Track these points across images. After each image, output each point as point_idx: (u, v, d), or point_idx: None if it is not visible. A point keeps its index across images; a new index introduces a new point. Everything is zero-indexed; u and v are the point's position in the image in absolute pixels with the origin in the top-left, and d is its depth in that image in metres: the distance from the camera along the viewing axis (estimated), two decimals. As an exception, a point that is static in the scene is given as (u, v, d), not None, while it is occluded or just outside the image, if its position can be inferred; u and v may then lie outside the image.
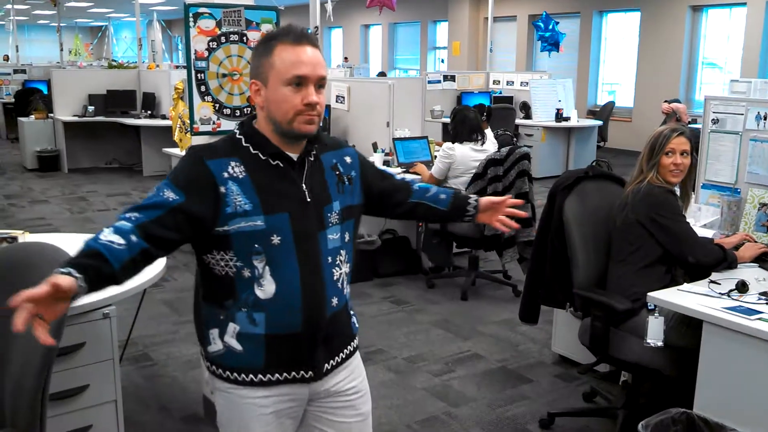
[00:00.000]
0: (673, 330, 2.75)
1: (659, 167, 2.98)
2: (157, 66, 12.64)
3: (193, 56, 2.90)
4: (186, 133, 5.91)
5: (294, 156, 1.74)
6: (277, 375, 1.74)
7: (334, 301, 1.77)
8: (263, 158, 1.71)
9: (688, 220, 3.65)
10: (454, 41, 17.42)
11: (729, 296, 2.61)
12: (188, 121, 2.99)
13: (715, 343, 2.49)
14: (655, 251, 2.92)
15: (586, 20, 14.60)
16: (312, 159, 1.77)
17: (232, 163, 1.67)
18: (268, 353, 1.72)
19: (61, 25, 17.60)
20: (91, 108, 10.13)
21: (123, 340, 3.73)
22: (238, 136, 1.74)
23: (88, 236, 1.59)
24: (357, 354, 1.94)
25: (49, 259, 2.10)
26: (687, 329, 2.72)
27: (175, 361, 3.98)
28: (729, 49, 12.46)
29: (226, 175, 1.66)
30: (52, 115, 10.33)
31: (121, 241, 1.54)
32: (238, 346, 1.72)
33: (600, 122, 11.14)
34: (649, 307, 2.74)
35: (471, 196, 2.05)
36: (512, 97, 10.82)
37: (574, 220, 3.09)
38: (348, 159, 1.87)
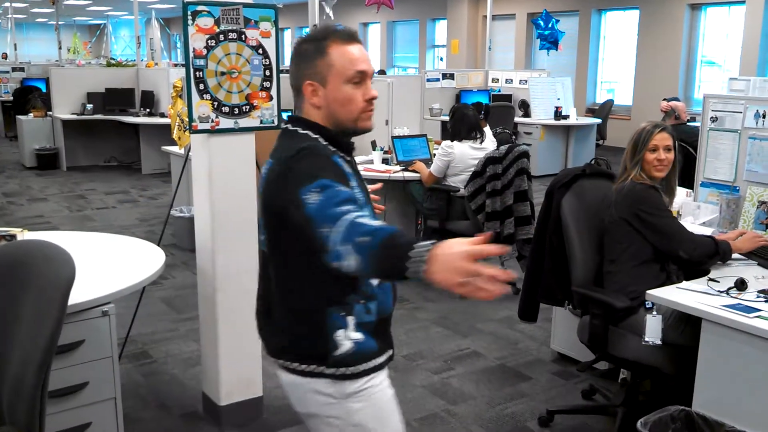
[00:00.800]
0: (672, 328, 2.76)
1: (643, 163, 2.99)
2: (156, 64, 12.63)
3: (191, 54, 2.90)
4: (185, 131, 5.91)
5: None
6: (385, 355, 1.80)
7: None
8: (341, 154, 1.76)
9: (686, 218, 3.67)
10: (453, 39, 17.41)
11: (728, 294, 2.62)
12: (187, 119, 2.98)
13: (713, 341, 2.50)
14: (647, 249, 2.92)
15: (585, 18, 14.60)
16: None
17: (339, 159, 1.73)
18: (376, 337, 1.76)
19: (60, 23, 17.57)
20: (89, 106, 10.12)
21: (122, 338, 3.74)
22: (316, 137, 1.73)
23: (89, 234, 1.60)
24: None
25: (47, 257, 2.10)
26: (686, 327, 2.72)
27: (174, 358, 3.98)
28: (728, 47, 12.47)
29: (348, 169, 1.73)
30: (50, 113, 10.32)
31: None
32: (360, 336, 1.72)
33: (599, 120, 11.14)
34: (647, 306, 2.74)
35: None
36: (511, 95, 10.82)
37: (572, 218, 3.09)
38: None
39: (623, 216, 2.95)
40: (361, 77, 1.70)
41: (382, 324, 1.80)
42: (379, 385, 1.79)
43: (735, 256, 3.05)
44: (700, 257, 2.90)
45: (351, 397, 1.74)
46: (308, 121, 1.75)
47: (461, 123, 5.21)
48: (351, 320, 1.71)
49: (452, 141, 5.20)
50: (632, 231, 2.94)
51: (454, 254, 1.31)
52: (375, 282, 1.73)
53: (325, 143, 1.73)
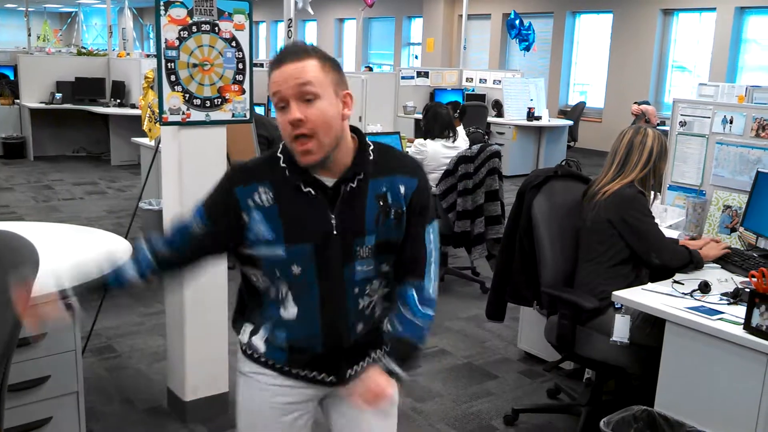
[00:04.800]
0: (638, 329, 2.79)
1: (656, 170, 3.02)
2: (128, 54, 12.46)
3: (163, 45, 2.86)
4: (155, 123, 5.84)
5: (329, 182, 1.63)
6: (298, 370, 1.76)
7: (359, 327, 1.74)
8: (296, 183, 1.62)
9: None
10: (429, 38, 17.43)
11: (692, 296, 2.66)
12: (158, 111, 2.95)
13: (677, 342, 2.53)
14: (623, 251, 2.95)
15: (559, 20, 14.71)
16: (354, 185, 1.64)
17: (261, 189, 1.62)
18: (290, 359, 1.75)
19: (30, 9, 17.26)
20: (58, 95, 9.96)
21: (86, 331, 3.69)
22: (279, 153, 1.66)
23: (55, 225, 1.62)
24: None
25: (10, 248, 2.06)
26: (651, 328, 2.76)
27: (139, 353, 3.94)
28: (698, 53, 12.65)
29: (251, 203, 1.62)
30: (18, 101, 10.13)
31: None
32: (261, 348, 1.76)
33: (571, 122, 11.24)
34: (616, 306, 2.77)
35: (396, 361, 1.67)
36: (485, 95, 10.87)
37: (543, 219, 3.11)
38: (402, 189, 1.67)
39: (609, 218, 2.96)
40: (279, 99, 1.57)
41: (302, 354, 1.73)
42: (272, 384, 1.77)
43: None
44: (674, 265, 2.94)
45: (240, 377, 1.84)
46: None
47: (434, 121, 5.22)
48: (262, 332, 1.76)
49: (425, 139, 5.20)
50: (615, 233, 2.95)
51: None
52: (289, 316, 1.69)
53: (283, 165, 1.64)
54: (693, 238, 3.36)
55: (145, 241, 1.72)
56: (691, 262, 2.96)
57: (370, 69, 15.12)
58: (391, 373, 1.64)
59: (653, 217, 3.01)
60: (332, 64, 1.61)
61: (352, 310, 1.70)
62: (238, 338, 1.83)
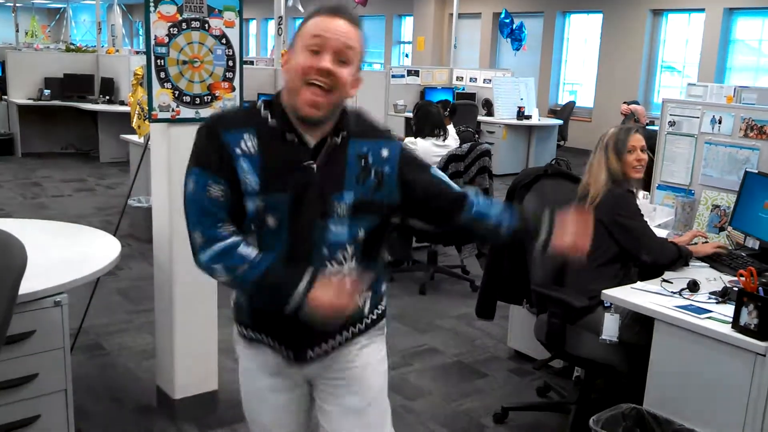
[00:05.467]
0: (627, 327, 2.80)
1: (624, 165, 3.02)
2: (117, 51, 12.40)
3: (152, 42, 2.85)
4: (144, 120, 5.81)
5: (312, 141, 1.64)
6: (263, 336, 1.77)
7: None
8: (279, 131, 1.63)
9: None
10: (419, 36, 17.43)
11: (680, 295, 2.67)
12: (147, 108, 2.93)
13: (665, 341, 2.54)
14: (613, 250, 2.96)
15: (550, 20, 14.75)
16: (337, 141, 1.66)
17: (245, 136, 1.61)
18: (254, 320, 1.77)
19: (18, 5, 17.15)
20: (47, 92, 9.90)
21: (75, 329, 3.67)
22: (258, 105, 1.67)
23: (43, 222, 1.59)
24: (367, 344, 1.84)
25: (0, 246, 2.05)
26: (640, 327, 2.77)
27: (128, 351, 3.92)
28: (687, 54, 12.72)
29: (239, 150, 1.60)
30: (5, 97, 10.06)
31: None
32: (235, 309, 1.81)
33: (560, 121, 11.28)
34: (606, 305, 2.78)
35: (545, 218, 1.80)
36: (475, 93, 10.88)
37: (533, 217, 3.12)
38: (385, 152, 1.71)
39: (600, 218, 2.97)
40: (317, 44, 1.57)
41: (264, 316, 1.75)
42: (249, 361, 1.84)
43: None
44: (664, 262, 2.96)
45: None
46: (276, 92, 1.71)
47: (425, 120, 5.22)
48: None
49: (416, 138, 5.20)
50: (604, 233, 2.96)
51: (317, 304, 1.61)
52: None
53: (265, 112, 1.64)
54: (680, 236, 3.37)
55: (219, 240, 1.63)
56: (680, 257, 2.99)
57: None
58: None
59: (641, 215, 3.03)
60: (365, 43, 1.67)
61: (317, 270, 1.63)
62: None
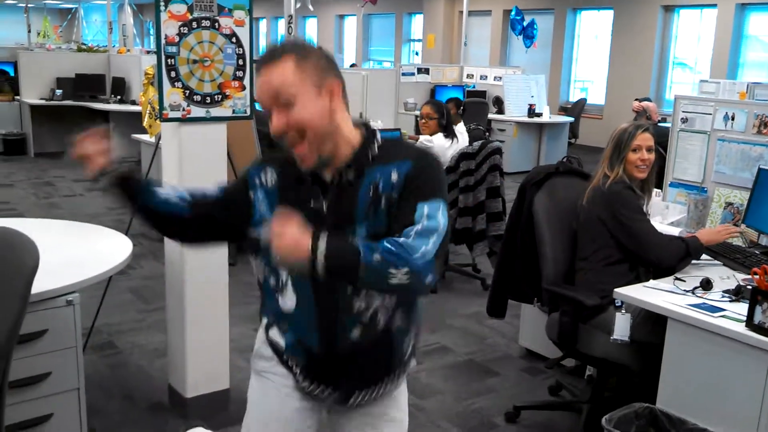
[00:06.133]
0: (640, 326, 2.78)
1: (626, 164, 3.00)
2: (128, 50, 12.45)
3: (163, 41, 2.85)
4: (156, 120, 5.83)
5: (327, 176, 1.62)
6: (304, 383, 1.75)
7: (355, 332, 1.65)
8: (298, 170, 1.61)
9: (655, 218, 3.71)
10: (429, 34, 17.40)
11: (693, 293, 2.65)
12: (158, 107, 2.94)
13: (678, 340, 2.53)
14: (616, 251, 2.95)
15: (560, 17, 14.69)
16: (350, 178, 1.59)
17: (269, 170, 1.68)
18: (294, 361, 1.75)
19: (30, 5, 17.23)
20: (59, 92, 9.95)
21: (87, 328, 3.68)
22: None
23: (55, 221, 1.60)
24: (399, 385, 1.83)
25: (10, 245, 2.06)
26: (653, 325, 2.75)
27: (140, 349, 3.93)
28: (699, 50, 12.63)
29: (257, 181, 1.69)
30: (18, 97, 10.12)
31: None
32: (280, 342, 1.75)
33: (571, 119, 11.22)
34: (617, 304, 2.77)
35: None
36: (485, 91, 10.85)
37: (544, 216, 3.11)
38: (394, 176, 1.57)
39: (600, 215, 2.96)
40: (263, 106, 1.57)
41: (306, 352, 1.71)
42: (277, 383, 1.79)
43: (702, 256, 3.10)
44: (669, 262, 2.90)
45: (252, 374, 1.88)
46: None
47: (448, 118, 5.34)
48: (268, 321, 1.79)
49: (440, 134, 5.28)
50: (606, 231, 2.95)
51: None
52: (288, 308, 1.67)
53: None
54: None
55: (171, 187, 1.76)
56: (689, 254, 2.91)
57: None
58: (314, 237, 1.43)
59: (642, 213, 2.98)
60: (314, 58, 1.55)
61: (345, 309, 1.63)
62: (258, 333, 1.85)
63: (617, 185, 2.97)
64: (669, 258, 2.90)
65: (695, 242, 2.97)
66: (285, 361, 1.76)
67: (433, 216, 1.52)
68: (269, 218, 1.56)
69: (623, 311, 2.74)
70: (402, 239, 1.47)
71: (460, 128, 5.60)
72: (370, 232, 1.56)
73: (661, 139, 4.42)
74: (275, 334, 1.76)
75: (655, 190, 3.94)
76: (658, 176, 3.94)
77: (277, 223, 1.43)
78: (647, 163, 3.00)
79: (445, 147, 5.17)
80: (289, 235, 1.41)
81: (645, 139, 3.01)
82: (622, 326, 2.74)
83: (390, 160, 1.59)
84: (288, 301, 1.67)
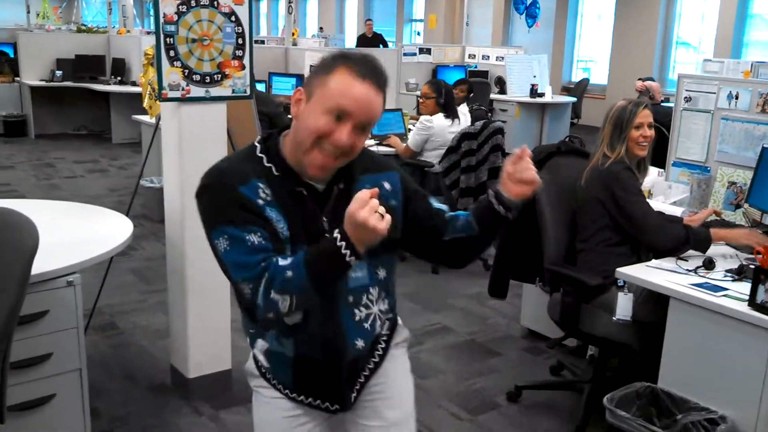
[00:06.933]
0: (642, 306, 2.78)
1: (628, 141, 2.97)
2: (128, 31, 12.37)
3: (162, 20, 2.82)
4: (156, 100, 5.80)
5: (319, 187, 1.58)
6: (303, 397, 1.70)
7: (359, 343, 1.65)
8: (287, 182, 1.55)
9: (657, 197, 3.69)
10: (431, 14, 17.28)
11: (696, 273, 2.64)
12: (157, 87, 2.91)
13: (680, 319, 2.52)
14: (618, 231, 2.93)
15: (563, -4, 14.56)
16: (341, 187, 1.59)
17: (261, 186, 1.52)
18: (295, 375, 1.68)
19: (29, -14, 17.10)
20: (59, 73, 9.90)
21: (89, 309, 3.68)
22: (259, 153, 1.57)
23: (56, 202, 1.55)
24: (390, 357, 1.79)
25: (9, 225, 2.05)
26: (655, 305, 2.74)
27: (142, 330, 3.94)
28: (703, 29, 12.53)
29: (260, 201, 1.51)
30: (18, 79, 10.08)
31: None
32: (265, 363, 1.70)
33: (574, 99, 11.16)
34: (619, 284, 2.76)
35: (486, 195, 1.72)
36: (487, 71, 10.78)
37: (546, 196, 3.09)
38: (387, 185, 1.64)
39: (598, 196, 2.95)
40: (342, 113, 1.48)
41: (308, 366, 1.65)
42: (268, 397, 1.73)
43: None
44: (665, 245, 2.85)
45: (253, 391, 1.79)
46: (274, 133, 1.61)
47: (450, 99, 5.27)
48: (261, 343, 1.69)
49: (442, 113, 5.21)
50: (605, 212, 2.93)
51: (352, 215, 1.37)
52: (293, 322, 1.57)
53: (268, 165, 1.55)
54: (696, 213, 3.32)
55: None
56: (688, 241, 2.83)
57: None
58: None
59: (640, 195, 2.95)
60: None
61: (348, 321, 1.62)
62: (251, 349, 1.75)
63: (616, 165, 2.93)
64: (665, 241, 2.85)
65: (702, 234, 2.87)
66: (278, 387, 1.72)
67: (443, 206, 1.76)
68: (286, 235, 1.51)
69: (626, 291, 2.74)
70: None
71: (463, 109, 5.56)
72: None
73: (665, 119, 4.39)
74: (260, 350, 1.70)
75: (658, 169, 3.93)
76: (661, 156, 3.93)
77: (361, 203, 1.37)
78: (648, 140, 2.98)
79: (444, 127, 5.12)
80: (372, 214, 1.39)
81: (646, 115, 2.98)
82: (624, 306, 2.73)
83: (375, 170, 1.65)
84: (293, 316, 1.56)
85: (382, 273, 1.66)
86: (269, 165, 1.56)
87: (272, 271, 1.45)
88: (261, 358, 1.71)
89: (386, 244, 1.55)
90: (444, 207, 1.76)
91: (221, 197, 1.51)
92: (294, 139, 1.55)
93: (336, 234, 1.41)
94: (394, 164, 1.74)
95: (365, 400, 1.77)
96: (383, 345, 1.78)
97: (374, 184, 1.58)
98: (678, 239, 2.85)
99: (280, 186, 1.54)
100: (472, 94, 7.10)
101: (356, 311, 1.63)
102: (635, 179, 2.98)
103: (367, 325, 1.66)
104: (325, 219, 1.57)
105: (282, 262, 1.46)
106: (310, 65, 6.29)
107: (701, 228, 2.97)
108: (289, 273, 1.43)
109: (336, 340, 1.62)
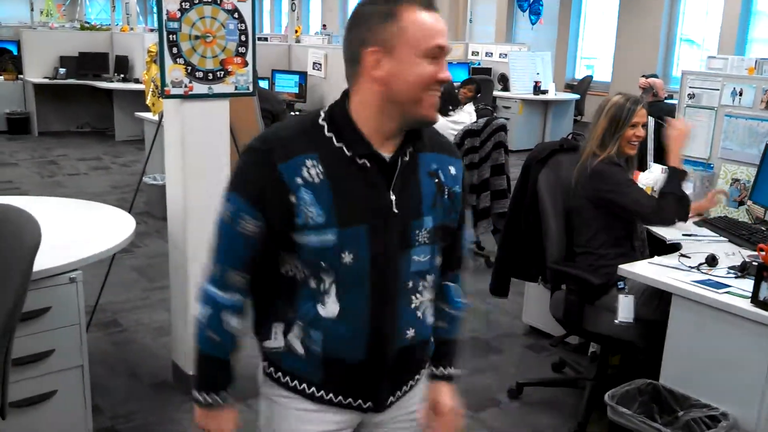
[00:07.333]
0: (645, 304, 2.78)
1: (620, 139, 2.93)
2: (131, 29, 12.37)
3: (165, 17, 2.82)
4: (159, 98, 5.80)
5: (387, 156, 1.42)
6: (332, 396, 1.51)
7: (409, 333, 1.49)
8: (348, 154, 1.40)
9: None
10: (434, 11, 17.23)
11: (698, 270, 2.64)
12: (160, 85, 2.92)
13: (683, 316, 2.52)
14: (614, 230, 2.92)
15: (567, -7, 14.53)
16: (407, 158, 1.45)
17: (309, 163, 1.37)
18: (326, 373, 1.49)
19: (32, -16, 17.13)
20: (62, 70, 9.91)
21: (91, 306, 3.69)
22: (321, 121, 1.43)
23: (59, 199, 1.54)
24: (423, 379, 1.67)
25: (11, 222, 2.05)
26: (659, 302, 2.74)
27: (144, 327, 3.95)
28: (707, 26, 12.49)
29: (299, 180, 1.37)
30: (22, 76, 10.09)
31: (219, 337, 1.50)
32: (300, 350, 1.48)
33: (577, 96, 11.15)
34: (619, 286, 2.76)
35: (448, 364, 1.72)
36: (491, 68, 10.79)
37: (548, 193, 3.09)
38: (453, 170, 1.51)
39: (589, 197, 2.93)
40: (438, 53, 1.36)
41: (340, 367, 1.48)
42: (301, 409, 1.53)
43: (706, 232, 3.09)
44: (670, 219, 2.91)
45: (263, 398, 1.62)
46: (338, 101, 1.45)
47: (448, 100, 5.25)
48: (297, 329, 1.48)
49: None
50: (598, 214, 2.91)
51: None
52: (328, 314, 1.44)
53: (329, 134, 1.41)
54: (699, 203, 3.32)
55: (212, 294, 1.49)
56: (681, 205, 2.90)
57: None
58: (450, 379, 1.61)
59: (630, 184, 2.92)
60: None
61: (405, 309, 1.48)
62: (261, 348, 1.56)
63: (601, 164, 2.89)
64: (665, 217, 2.89)
65: (680, 191, 2.94)
66: (300, 389, 1.53)
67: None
68: (321, 221, 1.38)
69: (626, 293, 2.73)
70: (462, 283, 1.73)
71: (469, 108, 5.55)
72: (435, 223, 1.48)
73: (668, 116, 4.38)
74: (296, 338, 1.49)
75: (662, 167, 3.92)
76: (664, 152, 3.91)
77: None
78: (640, 139, 2.96)
79: (446, 126, 5.10)
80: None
81: (643, 114, 2.95)
82: (625, 308, 2.73)
83: (441, 150, 1.52)
84: (330, 307, 1.44)
85: (438, 260, 1.54)
86: (329, 135, 1.42)
87: (225, 311, 1.48)
88: (295, 345, 1.49)
89: (449, 230, 1.50)
90: (465, 248, 1.66)
91: (253, 168, 1.41)
92: (392, 99, 1.39)
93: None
94: (455, 148, 1.59)
95: (398, 417, 1.62)
96: (424, 362, 1.65)
97: (440, 164, 1.50)
98: (674, 209, 2.89)
99: (338, 159, 1.40)
100: (479, 94, 7.09)
101: (414, 298, 1.49)
102: (623, 171, 2.94)
103: (419, 314, 1.52)
104: (393, 196, 1.42)
105: (233, 321, 1.49)
106: (314, 62, 6.28)
107: (677, 188, 2.95)
108: (216, 339, 1.50)
109: (388, 329, 1.46)
